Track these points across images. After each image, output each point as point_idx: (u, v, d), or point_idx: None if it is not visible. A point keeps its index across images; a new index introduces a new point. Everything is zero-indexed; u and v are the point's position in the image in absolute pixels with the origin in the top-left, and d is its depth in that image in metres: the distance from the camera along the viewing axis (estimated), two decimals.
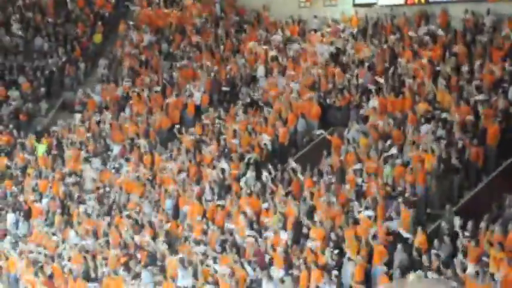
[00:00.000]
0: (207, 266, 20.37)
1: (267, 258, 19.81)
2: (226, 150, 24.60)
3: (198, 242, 21.52)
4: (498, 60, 21.62)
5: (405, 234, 18.18)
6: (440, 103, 21.15)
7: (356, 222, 19.17)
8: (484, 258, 16.54)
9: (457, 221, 17.56)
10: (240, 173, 23.26)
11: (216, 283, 19.81)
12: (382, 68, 23.89)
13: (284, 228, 20.31)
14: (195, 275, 20.48)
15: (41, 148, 29.87)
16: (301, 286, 18.30)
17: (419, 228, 18.11)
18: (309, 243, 19.12)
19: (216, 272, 19.87)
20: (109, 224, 24.25)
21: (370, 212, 18.98)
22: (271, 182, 22.13)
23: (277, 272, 19.13)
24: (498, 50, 22.09)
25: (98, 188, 26.33)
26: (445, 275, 16.63)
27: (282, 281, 18.86)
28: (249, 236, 20.45)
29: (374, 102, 22.66)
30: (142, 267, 21.84)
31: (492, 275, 16.07)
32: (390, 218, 18.79)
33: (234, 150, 24.24)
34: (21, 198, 27.78)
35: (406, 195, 18.94)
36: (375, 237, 18.29)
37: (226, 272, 19.42)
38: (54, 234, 25.43)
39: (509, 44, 22.18)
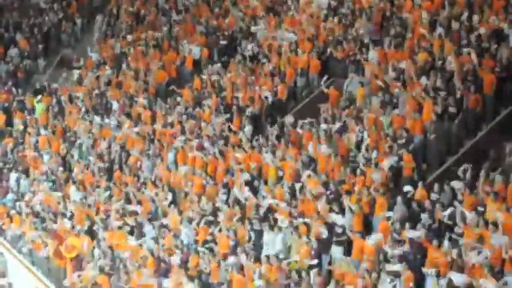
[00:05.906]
0: (207, 223, 20.45)
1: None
2: (225, 104, 24.54)
3: (199, 197, 21.57)
4: (499, 9, 21.40)
5: (406, 188, 18.19)
6: (439, 53, 21.03)
7: (355, 172, 19.21)
8: (480, 208, 16.61)
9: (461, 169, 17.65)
10: (239, 127, 23.24)
11: (216, 240, 19.90)
12: (381, 19, 23.71)
13: (283, 181, 20.33)
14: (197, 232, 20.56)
15: (40, 106, 29.82)
16: (302, 235, 18.38)
17: (420, 183, 18.13)
18: (308, 194, 19.19)
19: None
20: (110, 180, 24.31)
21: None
22: (271, 135, 22.11)
23: (280, 222, 19.17)
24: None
25: (98, 144, 26.34)
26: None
27: (284, 232, 18.95)
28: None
29: (373, 53, 22.56)
30: (145, 222, 21.93)
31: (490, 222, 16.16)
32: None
33: (233, 104, 24.18)
34: (21, 155, 27.83)
35: (404, 144, 18.94)
36: (376, 188, 18.33)
37: None
38: (55, 190, 25.51)
39: None
